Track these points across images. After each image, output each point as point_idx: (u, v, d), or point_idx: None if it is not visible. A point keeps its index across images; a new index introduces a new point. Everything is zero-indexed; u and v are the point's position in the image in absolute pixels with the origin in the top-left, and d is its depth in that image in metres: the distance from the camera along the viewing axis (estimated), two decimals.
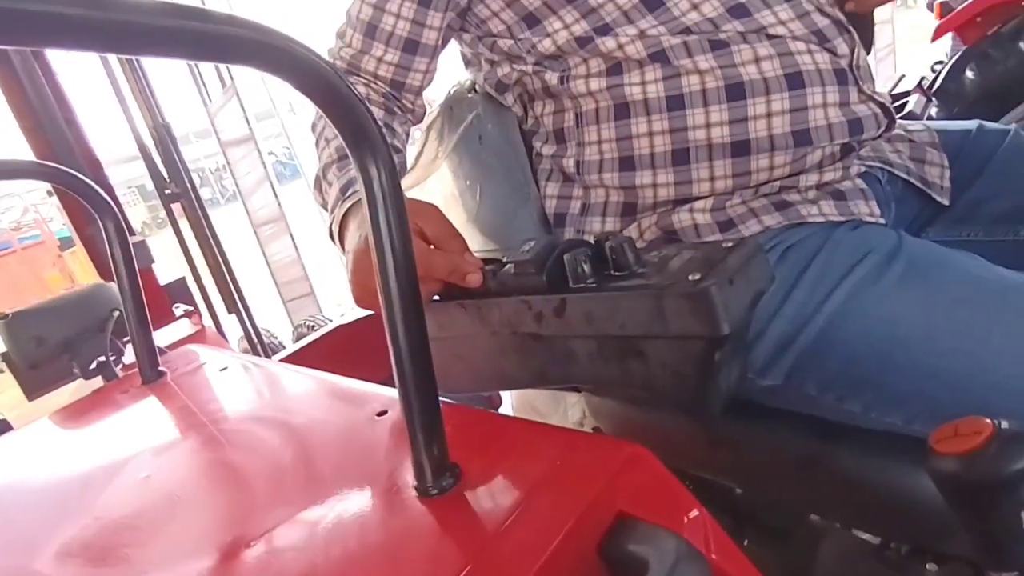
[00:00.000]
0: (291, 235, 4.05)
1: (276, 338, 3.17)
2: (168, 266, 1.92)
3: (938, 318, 0.47)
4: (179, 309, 1.74)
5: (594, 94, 0.63)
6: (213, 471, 0.43)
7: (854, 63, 0.60)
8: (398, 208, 0.31)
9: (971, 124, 0.69)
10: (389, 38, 0.66)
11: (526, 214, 0.74)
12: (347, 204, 0.55)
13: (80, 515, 0.41)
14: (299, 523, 0.34)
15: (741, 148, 0.58)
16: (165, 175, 2.15)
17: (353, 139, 0.30)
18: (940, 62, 2.44)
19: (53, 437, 0.57)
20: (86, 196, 0.57)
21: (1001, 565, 0.36)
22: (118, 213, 0.60)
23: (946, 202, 0.66)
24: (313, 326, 3.04)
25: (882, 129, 0.60)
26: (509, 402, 1.01)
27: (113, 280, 0.61)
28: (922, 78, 2.49)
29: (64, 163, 0.57)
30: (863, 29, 0.64)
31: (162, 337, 1.26)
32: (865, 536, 0.62)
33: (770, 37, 0.59)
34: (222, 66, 3.72)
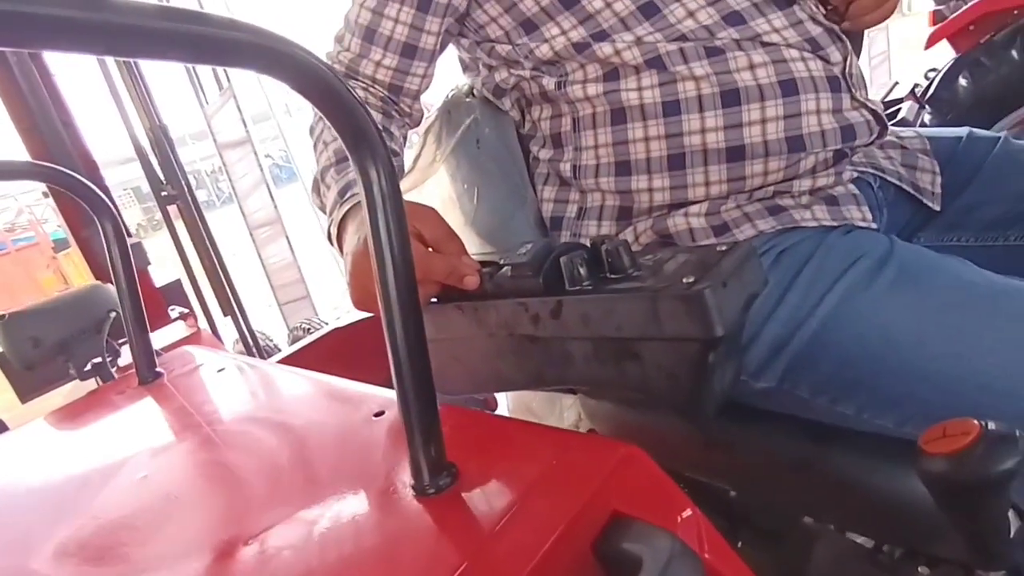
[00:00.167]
0: (287, 238, 4.04)
1: (271, 341, 3.17)
2: (164, 268, 1.92)
3: (929, 322, 0.48)
4: (174, 311, 1.74)
5: (591, 99, 0.64)
6: (211, 471, 0.44)
7: (847, 70, 0.61)
8: (397, 211, 0.31)
9: (962, 131, 0.70)
10: (387, 42, 0.66)
11: (523, 217, 0.74)
12: (346, 207, 0.55)
13: (77, 515, 0.41)
14: (296, 522, 0.34)
15: (736, 153, 0.59)
16: (161, 177, 2.15)
17: (353, 142, 0.31)
18: (933, 69, 2.46)
19: (50, 437, 0.57)
20: (84, 197, 0.58)
21: (990, 564, 0.37)
22: (116, 214, 0.60)
23: (937, 208, 0.67)
24: (309, 329, 3.04)
25: (874, 136, 0.61)
26: (505, 404, 1.01)
27: (109, 281, 0.61)
28: (915, 85, 2.51)
29: (60, 164, 0.57)
30: (853, 37, 0.65)
31: (157, 339, 1.26)
32: (859, 539, 0.62)
33: (764, 44, 0.60)
34: (219, 69, 3.72)
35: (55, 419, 0.60)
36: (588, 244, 0.42)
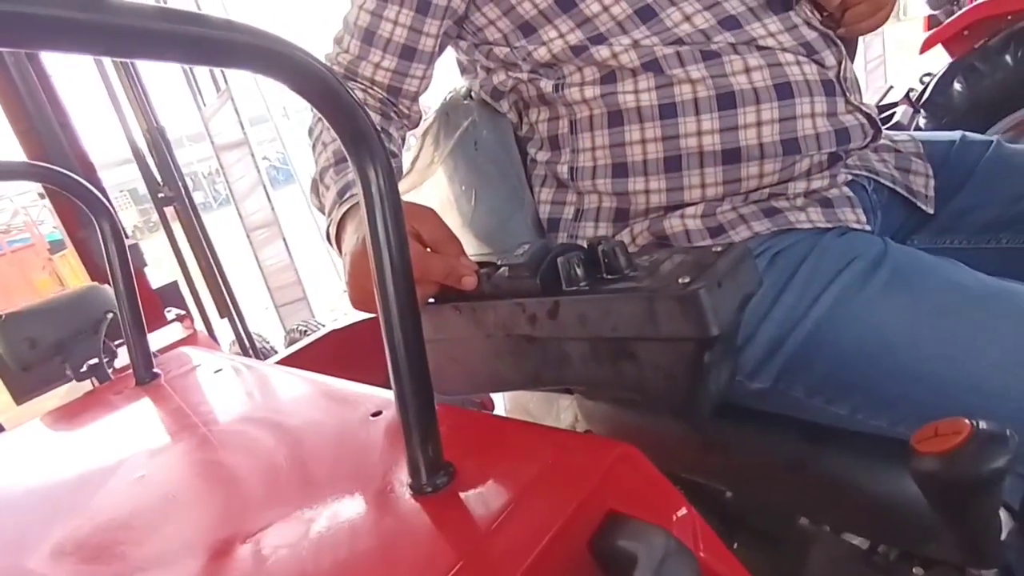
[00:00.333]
0: (284, 240, 4.04)
1: (268, 343, 3.17)
2: (159, 270, 1.91)
3: (922, 323, 0.49)
4: (171, 313, 1.74)
5: (588, 102, 0.64)
6: (208, 471, 0.44)
7: (841, 74, 0.61)
8: (395, 211, 0.32)
9: (955, 135, 0.71)
10: (387, 44, 0.66)
11: (520, 219, 0.75)
12: (344, 207, 0.56)
13: (74, 514, 0.41)
14: (294, 521, 0.34)
15: (731, 156, 0.60)
16: (158, 178, 2.15)
17: (352, 143, 0.31)
18: (929, 74, 2.48)
19: (47, 437, 0.57)
20: (82, 198, 0.58)
21: (981, 563, 0.37)
22: (114, 215, 0.60)
23: (931, 211, 0.67)
24: (306, 331, 3.04)
25: (868, 139, 0.62)
26: (502, 405, 1.02)
27: (105, 283, 0.61)
28: (910, 90, 2.53)
29: (57, 165, 0.57)
30: (848, 42, 0.66)
31: (153, 341, 1.25)
32: (855, 540, 0.63)
33: (760, 48, 0.60)
34: (216, 70, 3.72)
35: (52, 419, 0.60)
36: (585, 245, 0.42)
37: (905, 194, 0.67)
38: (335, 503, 0.34)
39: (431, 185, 0.81)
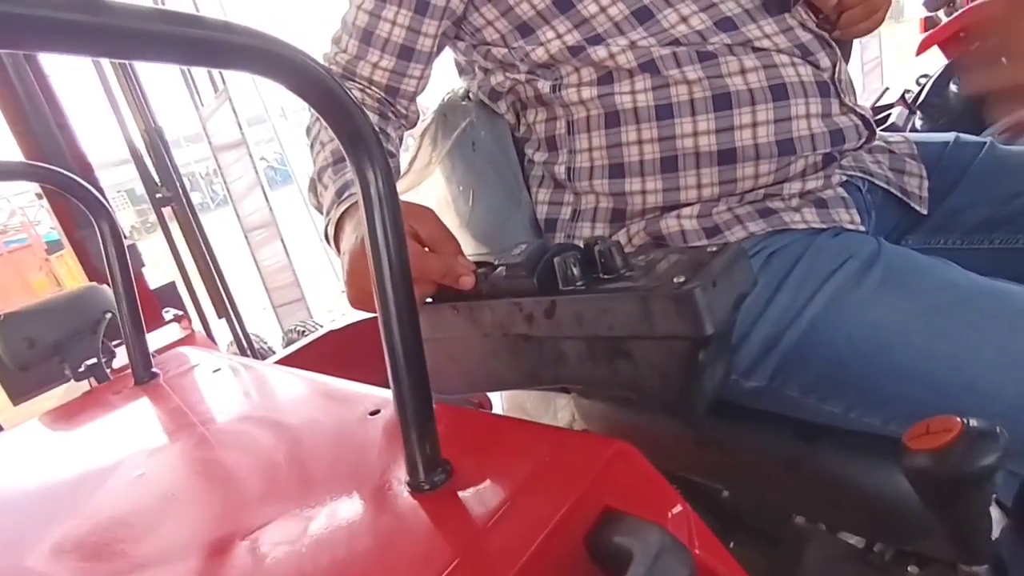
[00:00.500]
0: (282, 240, 4.03)
1: (266, 343, 3.16)
2: (157, 271, 1.91)
3: (915, 322, 0.49)
4: (168, 313, 1.74)
5: (585, 103, 0.65)
6: (207, 469, 0.44)
7: (836, 76, 0.62)
8: (394, 211, 0.32)
9: (948, 136, 0.72)
10: (385, 44, 0.67)
11: (518, 219, 0.75)
12: (343, 207, 0.56)
13: (74, 512, 0.42)
14: (292, 518, 0.34)
15: (727, 156, 0.60)
16: (156, 179, 2.15)
17: (350, 143, 0.31)
18: (925, 75, 2.49)
19: (46, 436, 0.57)
20: (81, 198, 0.58)
21: (973, 559, 0.37)
22: (113, 215, 0.60)
23: (924, 211, 0.68)
24: (303, 332, 3.04)
25: (863, 140, 0.62)
26: (500, 405, 1.02)
27: (103, 283, 0.61)
28: (905, 91, 2.54)
29: (55, 166, 0.57)
30: (843, 44, 0.66)
31: (152, 341, 1.26)
32: (851, 539, 0.63)
33: (755, 50, 0.61)
34: (214, 71, 3.72)
35: (51, 419, 0.60)
36: (581, 245, 0.42)
37: (899, 195, 0.67)
38: (333, 501, 0.35)
39: (429, 185, 0.81)
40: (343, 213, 0.56)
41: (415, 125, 0.75)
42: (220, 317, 2.39)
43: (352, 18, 0.68)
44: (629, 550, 0.28)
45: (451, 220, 0.79)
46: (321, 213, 0.63)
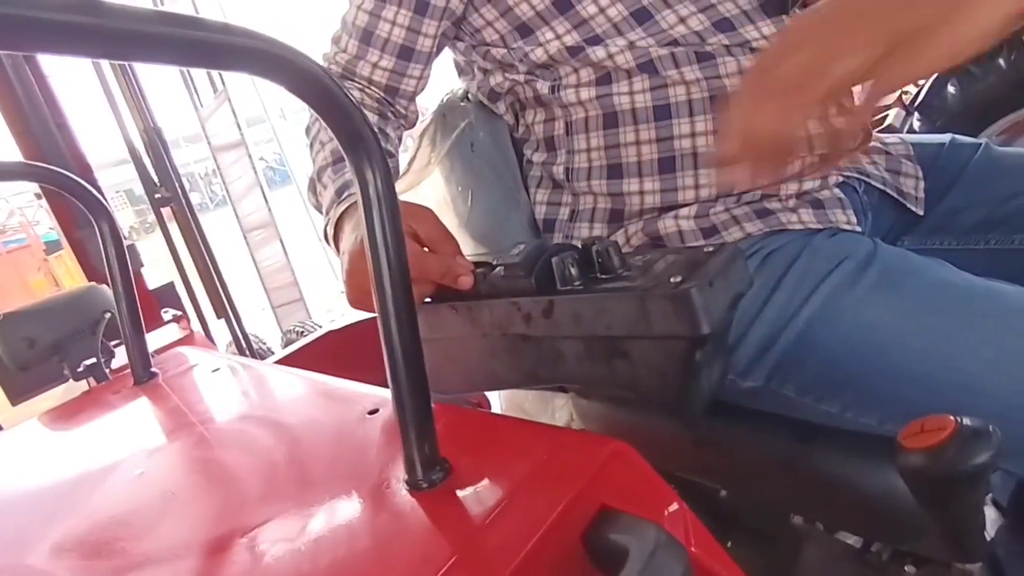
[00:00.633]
0: (281, 241, 4.04)
1: (265, 344, 3.16)
2: (156, 272, 1.91)
3: (911, 322, 0.49)
4: (167, 314, 1.74)
5: (584, 103, 0.65)
6: (206, 468, 0.44)
7: None
8: (392, 211, 0.32)
9: (944, 137, 0.72)
10: (384, 44, 0.67)
11: (516, 220, 0.75)
12: (342, 207, 0.56)
13: (73, 511, 0.42)
14: (291, 516, 0.34)
15: None
16: (155, 179, 2.14)
17: (349, 143, 0.31)
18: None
19: (45, 436, 0.58)
20: (80, 198, 0.58)
21: (967, 557, 0.38)
22: (112, 215, 0.60)
23: (921, 212, 0.68)
24: (302, 332, 3.03)
25: (859, 141, 0.63)
26: (498, 405, 1.02)
27: (102, 283, 0.61)
28: (902, 92, 2.54)
29: (54, 166, 0.57)
30: None
31: (150, 341, 1.26)
32: (849, 539, 0.63)
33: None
34: (214, 72, 3.72)
35: (50, 418, 0.61)
36: (579, 245, 0.43)
37: (895, 196, 0.68)
38: (332, 499, 0.35)
39: (428, 186, 0.81)
40: (342, 213, 0.56)
41: (414, 125, 0.75)
42: (219, 317, 2.39)
43: (352, 18, 0.68)
44: (625, 547, 0.28)
45: (450, 220, 0.80)
46: (320, 213, 0.63)
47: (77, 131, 1.68)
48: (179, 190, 2.19)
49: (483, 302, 0.44)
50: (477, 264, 0.47)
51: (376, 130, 0.50)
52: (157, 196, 2.15)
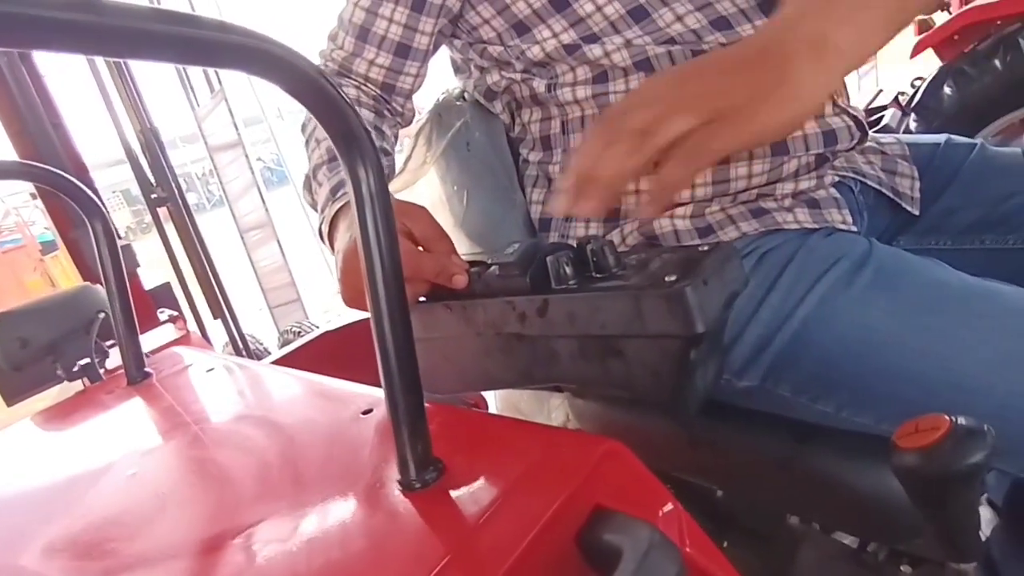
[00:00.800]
0: (278, 241, 4.03)
1: (262, 344, 3.15)
2: (153, 272, 1.91)
3: (906, 322, 0.49)
4: (164, 314, 1.73)
5: (580, 102, 0.65)
6: (199, 468, 0.44)
7: None
8: (385, 210, 0.32)
9: (940, 138, 0.72)
10: (381, 42, 0.67)
11: (512, 219, 0.75)
12: (337, 205, 0.56)
13: (65, 512, 0.42)
14: (284, 517, 0.34)
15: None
16: (152, 179, 2.14)
17: (342, 141, 0.31)
18: (920, 78, 2.51)
19: (37, 436, 0.57)
20: (74, 197, 0.58)
21: (962, 557, 0.38)
22: (106, 214, 0.60)
23: (916, 212, 0.68)
24: (299, 332, 3.03)
25: (855, 141, 0.63)
26: (494, 405, 1.02)
27: (98, 283, 0.61)
28: (899, 93, 2.55)
29: (50, 165, 0.57)
30: None
31: (146, 342, 1.25)
32: (845, 539, 0.63)
33: None
34: (210, 71, 3.71)
35: (43, 419, 0.60)
36: (575, 245, 0.43)
37: (891, 195, 0.68)
38: (325, 500, 0.35)
39: (424, 185, 0.81)
40: (337, 212, 0.56)
41: (411, 123, 0.75)
42: (215, 318, 2.38)
43: (349, 15, 0.68)
44: (619, 547, 0.28)
45: (445, 219, 0.79)
46: (316, 211, 0.63)
47: (74, 131, 1.67)
48: (175, 190, 2.19)
49: (478, 301, 0.44)
50: (472, 263, 0.47)
51: (369, 128, 0.50)
52: (153, 196, 2.14)
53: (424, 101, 0.80)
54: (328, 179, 0.60)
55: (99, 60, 2.01)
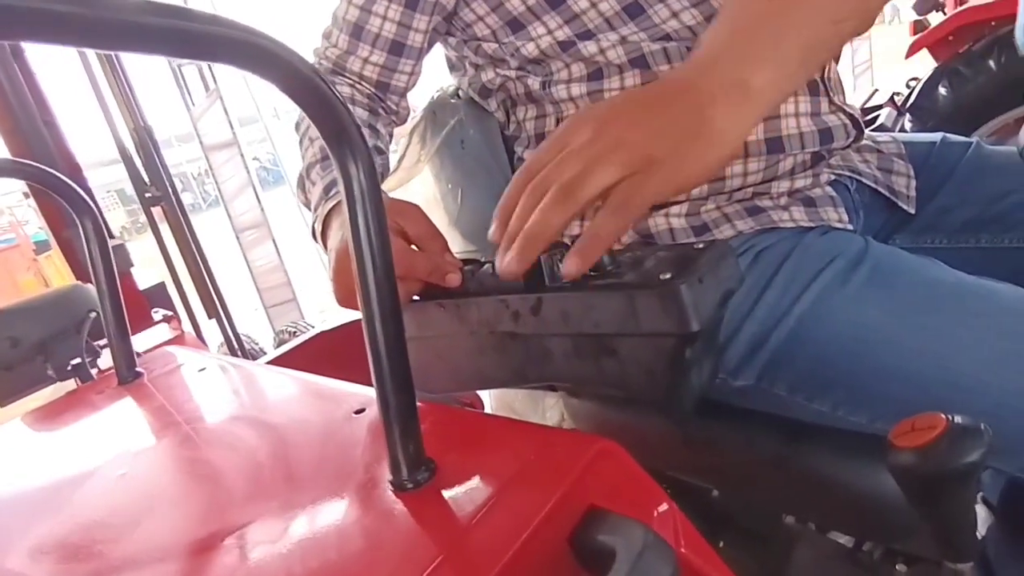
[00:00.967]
0: (274, 241, 4.02)
1: (257, 344, 3.15)
2: (148, 272, 1.90)
3: (901, 320, 0.49)
4: (158, 314, 1.72)
5: (575, 100, 0.65)
6: (190, 469, 0.43)
7: (825, 75, 0.62)
8: (377, 209, 0.32)
9: (935, 136, 0.72)
10: (375, 39, 0.66)
11: None
12: (330, 204, 0.56)
13: (53, 513, 0.41)
14: (275, 517, 0.34)
15: None
16: (146, 178, 2.13)
17: (334, 140, 0.31)
18: (915, 78, 2.52)
19: (27, 437, 0.57)
20: (64, 194, 0.57)
21: (958, 557, 0.37)
22: (97, 212, 0.59)
23: (912, 211, 0.68)
24: (295, 332, 3.02)
25: (851, 139, 0.62)
26: (488, 405, 1.01)
27: (91, 283, 0.60)
28: (894, 93, 2.56)
29: (42, 164, 0.56)
30: None
31: (140, 342, 1.25)
32: (841, 538, 0.63)
33: None
34: (206, 70, 3.70)
35: (32, 419, 0.60)
36: (568, 242, 0.42)
37: (887, 194, 0.68)
38: (316, 500, 0.34)
39: (418, 183, 0.81)
40: (330, 210, 0.55)
41: (406, 121, 0.75)
42: (210, 318, 2.37)
43: (343, 12, 0.67)
44: (612, 548, 0.28)
45: (439, 218, 0.79)
46: (309, 209, 0.62)
47: (68, 129, 1.66)
48: (169, 189, 2.17)
49: (471, 299, 0.44)
50: (466, 261, 0.46)
51: (361, 125, 0.49)
52: (147, 195, 2.13)
53: (418, 99, 0.79)
54: (321, 178, 0.59)
55: (92, 57, 2.00)
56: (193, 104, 3.90)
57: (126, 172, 2.13)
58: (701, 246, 0.39)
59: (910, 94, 2.44)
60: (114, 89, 2.05)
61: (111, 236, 0.70)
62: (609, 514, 0.30)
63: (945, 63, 2.38)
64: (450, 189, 0.77)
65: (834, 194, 0.62)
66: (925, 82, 2.38)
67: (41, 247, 6.91)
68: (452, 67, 0.78)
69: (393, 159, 0.82)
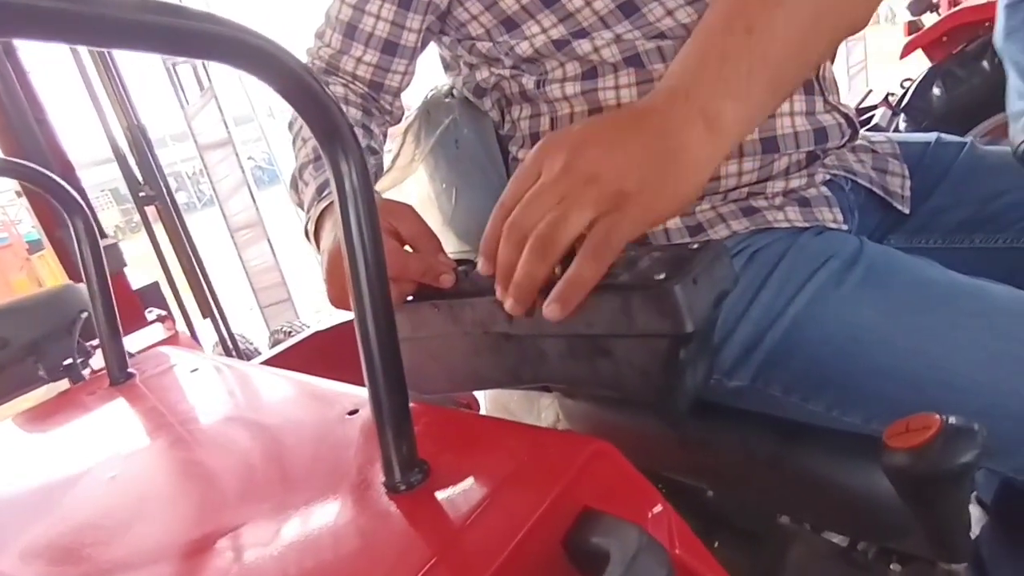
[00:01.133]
0: (269, 240, 4.00)
1: (252, 344, 3.14)
2: (142, 272, 1.89)
3: (895, 321, 0.49)
4: (152, 314, 1.71)
5: (569, 99, 0.64)
6: (182, 470, 0.43)
7: (820, 74, 0.62)
8: (369, 209, 0.31)
9: (930, 136, 0.72)
10: (368, 39, 0.66)
11: None
12: (323, 204, 0.55)
13: (44, 514, 0.41)
14: (268, 519, 0.34)
15: None
16: (139, 178, 2.12)
17: (326, 139, 0.31)
18: (909, 79, 2.53)
19: (17, 438, 0.56)
20: (55, 193, 0.57)
21: (952, 557, 0.37)
22: (88, 212, 0.59)
23: (906, 211, 0.68)
24: (290, 332, 3.01)
25: (846, 139, 0.62)
26: (483, 406, 1.01)
27: (83, 282, 0.60)
28: (889, 93, 2.57)
29: (35, 163, 0.56)
30: None
31: (133, 342, 1.24)
32: (835, 538, 0.63)
33: None
34: (200, 69, 3.68)
35: (23, 420, 0.59)
36: None
37: (882, 194, 0.68)
38: (309, 501, 0.34)
39: (412, 183, 0.81)
40: (323, 211, 0.55)
41: (400, 120, 0.74)
42: (205, 317, 2.36)
43: (335, 12, 0.67)
44: (606, 550, 0.28)
45: (434, 218, 0.79)
46: (302, 210, 0.62)
47: (61, 128, 1.65)
48: (163, 189, 2.17)
49: (465, 300, 0.44)
50: (460, 262, 0.46)
51: (353, 125, 0.49)
52: (141, 195, 2.12)
53: (413, 99, 0.79)
54: (314, 178, 0.59)
55: (85, 55, 1.99)
56: (188, 103, 3.88)
57: (119, 171, 2.12)
58: (696, 246, 0.38)
59: (904, 94, 2.44)
60: (108, 87, 2.04)
61: (103, 236, 0.70)
62: (603, 516, 0.30)
63: (939, 64, 2.39)
64: (444, 189, 0.77)
65: (829, 194, 0.62)
66: (919, 82, 2.39)
67: (34, 247, 6.86)
68: (446, 66, 0.78)
69: (387, 159, 0.82)
